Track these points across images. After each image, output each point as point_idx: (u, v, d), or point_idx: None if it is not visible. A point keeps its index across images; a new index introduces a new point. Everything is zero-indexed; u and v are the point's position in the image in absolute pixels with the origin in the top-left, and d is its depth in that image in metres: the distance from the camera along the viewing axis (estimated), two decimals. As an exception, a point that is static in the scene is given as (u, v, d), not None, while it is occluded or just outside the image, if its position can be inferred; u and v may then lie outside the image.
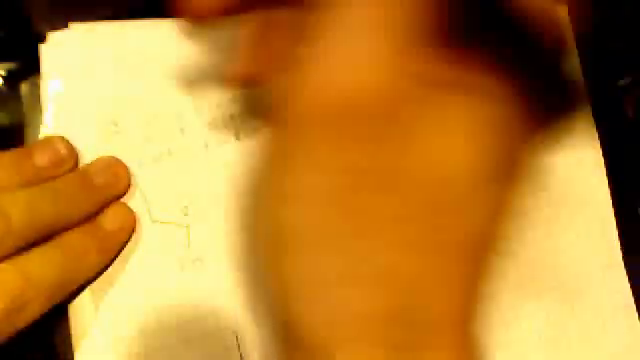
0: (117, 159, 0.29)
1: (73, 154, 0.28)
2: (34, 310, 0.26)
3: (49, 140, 0.28)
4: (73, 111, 0.30)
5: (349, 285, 0.17)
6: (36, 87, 0.30)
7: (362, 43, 0.18)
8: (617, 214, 0.32)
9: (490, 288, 0.31)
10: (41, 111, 0.30)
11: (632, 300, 0.31)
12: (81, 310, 0.29)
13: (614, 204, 0.32)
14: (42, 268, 0.26)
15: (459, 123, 0.18)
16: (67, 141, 0.28)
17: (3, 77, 0.31)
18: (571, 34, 0.34)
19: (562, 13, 0.34)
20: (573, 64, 0.33)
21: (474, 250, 0.19)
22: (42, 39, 0.30)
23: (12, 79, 0.31)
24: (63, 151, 0.28)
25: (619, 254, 0.31)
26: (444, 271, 0.18)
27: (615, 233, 0.31)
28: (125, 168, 0.29)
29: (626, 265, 0.31)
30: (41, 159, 0.27)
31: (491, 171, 0.18)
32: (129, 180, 0.29)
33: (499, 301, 0.30)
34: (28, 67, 0.31)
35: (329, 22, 0.18)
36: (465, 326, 0.19)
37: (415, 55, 0.18)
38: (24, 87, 0.31)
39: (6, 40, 0.32)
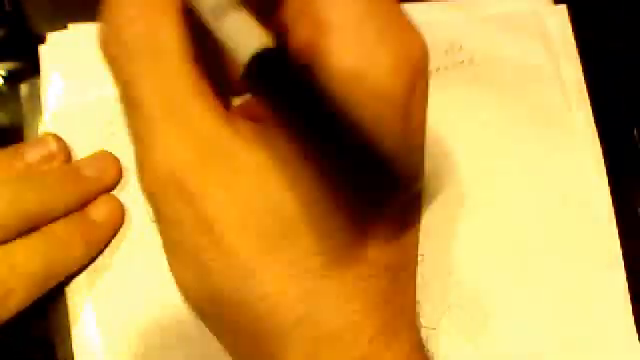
0: (109, 153, 0.29)
1: (64, 150, 0.29)
2: (18, 299, 0.26)
3: (42, 138, 0.29)
4: (72, 111, 0.30)
5: None
6: (36, 87, 0.30)
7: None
8: (617, 214, 0.32)
9: (489, 288, 0.31)
10: (41, 111, 0.30)
11: (629, 300, 0.31)
12: (81, 311, 0.29)
13: (614, 204, 0.32)
14: (26, 257, 0.26)
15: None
16: (59, 138, 0.29)
17: (3, 77, 0.31)
18: (572, 36, 0.34)
19: (562, 13, 0.34)
20: (574, 66, 0.33)
21: None
22: (41, 40, 0.30)
23: (12, 79, 0.31)
24: (54, 147, 0.28)
25: (619, 254, 0.31)
26: None
27: (615, 233, 0.31)
28: (116, 162, 0.29)
29: (626, 265, 0.31)
30: (32, 155, 0.28)
31: None
32: (120, 173, 0.29)
33: (498, 301, 0.30)
34: (28, 67, 0.31)
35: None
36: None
37: None
38: (24, 87, 0.31)
39: (6, 40, 0.32)
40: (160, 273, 0.29)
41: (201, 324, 0.20)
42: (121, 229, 0.29)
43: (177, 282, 0.19)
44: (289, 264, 0.17)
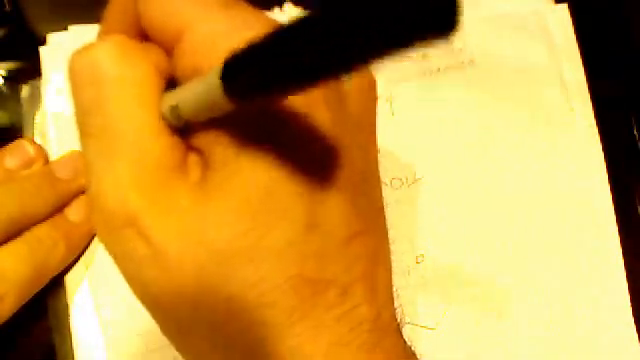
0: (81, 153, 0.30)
1: (42, 154, 0.29)
2: (9, 304, 0.26)
3: (19, 143, 0.29)
4: (72, 112, 0.30)
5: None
6: (36, 88, 0.31)
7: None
8: (617, 214, 0.32)
9: (489, 288, 0.31)
10: (40, 112, 0.30)
11: (628, 300, 0.31)
12: (82, 311, 0.29)
13: (614, 204, 0.32)
14: (12, 263, 0.26)
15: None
16: (36, 143, 0.29)
17: (3, 77, 0.31)
18: (574, 36, 0.34)
19: (564, 12, 0.34)
20: (576, 65, 0.33)
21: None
22: (42, 41, 0.30)
23: (12, 79, 0.31)
24: (32, 152, 0.29)
25: (619, 254, 0.31)
26: None
27: (615, 233, 0.31)
28: None
29: (626, 265, 0.31)
30: (11, 161, 0.28)
31: None
32: None
33: (498, 301, 0.30)
34: (28, 68, 0.31)
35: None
36: None
37: None
38: (24, 88, 0.31)
39: (6, 41, 0.32)
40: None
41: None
42: None
43: (144, 308, 0.20)
44: (230, 297, 0.17)
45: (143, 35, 0.19)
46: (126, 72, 0.18)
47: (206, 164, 0.18)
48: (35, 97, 0.31)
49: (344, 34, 0.11)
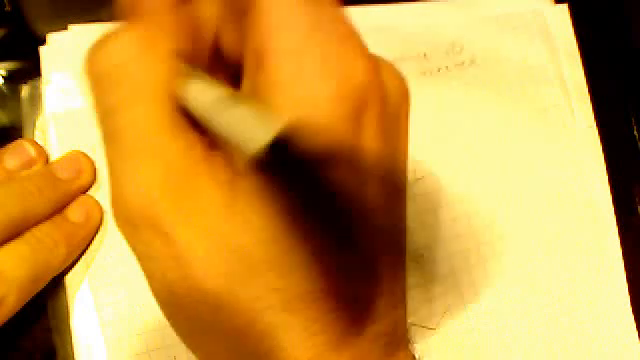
0: (82, 153, 0.30)
1: (43, 154, 0.29)
2: (10, 305, 0.26)
3: (19, 143, 0.29)
4: (72, 112, 0.30)
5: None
6: (36, 88, 0.30)
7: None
8: (617, 214, 0.32)
9: (490, 288, 0.31)
10: (41, 111, 0.30)
11: (628, 300, 0.31)
12: (82, 311, 0.29)
13: (614, 204, 0.32)
14: (13, 264, 0.26)
15: None
16: (36, 143, 0.29)
17: (3, 77, 0.31)
18: (573, 36, 0.34)
19: (563, 13, 0.34)
20: (575, 65, 0.33)
21: None
22: (42, 40, 0.30)
23: (12, 79, 0.31)
24: (32, 153, 0.29)
25: (619, 254, 0.31)
26: None
27: (615, 233, 0.31)
28: (89, 161, 0.29)
29: (626, 265, 0.31)
30: (11, 162, 0.28)
31: None
32: (94, 173, 0.30)
33: (497, 301, 0.30)
34: (28, 68, 0.31)
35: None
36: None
37: None
38: (24, 89, 0.31)
39: (6, 40, 0.32)
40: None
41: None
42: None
43: (160, 307, 0.19)
44: (254, 299, 0.17)
45: None
46: (140, 70, 0.17)
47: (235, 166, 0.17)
48: (35, 97, 0.31)
49: None
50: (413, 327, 0.29)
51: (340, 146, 0.17)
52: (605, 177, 0.32)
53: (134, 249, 0.18)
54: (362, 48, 0.17)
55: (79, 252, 0.29)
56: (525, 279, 0.30)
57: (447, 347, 0.29)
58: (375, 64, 0.18)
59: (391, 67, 0.19)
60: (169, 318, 0.19)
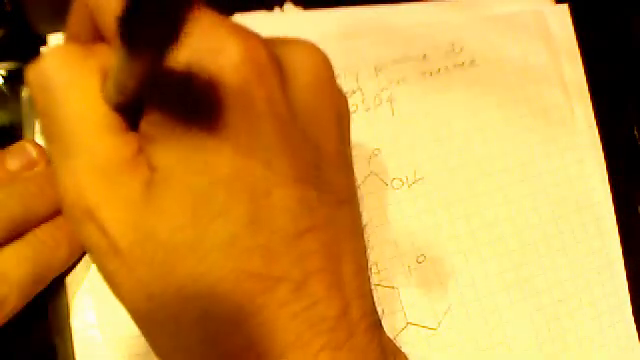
0: None
1: (44, 156, 0.29)
2: (11, 306, 0.26)
3: (20, 145, 0.29)
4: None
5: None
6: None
7: None
8: (617, 214, 0.32)
9: (490, 288, 0.31)
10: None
11: (628, 300, 0.31)
12: (82, 311, 0.29)
13: (614, 204, 0.32)
14: (15, 264, 0.26)
15: None
16: (38, 144, 0.29)
17: (3, 77, 0.31)
18: (574, 36, 0.34)
19: (564, 13, 0.34)
20: (576, 66, 0.33)
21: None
22: (42, 41, 0.30)
23: (12, 79, 0.31)
24: (34, 154, 0.29)
25: (619, 254, 0.31)
26: None
27: (615, 233, 0.31)
28: None
29: (626, 265, 0.31)
30: (13, 163, 0.28)
31: None
32: None
33: (498, 301, 0.30)
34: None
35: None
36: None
37: None
38: (24, 89, 0.31)
39: (6, 41, 0.32)
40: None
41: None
42: None
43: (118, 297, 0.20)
44: (181, 288, 0.18)
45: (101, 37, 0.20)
46: (70, 77, 0.19)
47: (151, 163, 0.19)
48: (35, 97, 0.31)
49: None
50: (414, 327, 0.29)
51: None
52: (605, 177, 0.32)
53: (84, 244, 0.20)
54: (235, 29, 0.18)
55: (80, 253, 0.29)
56: (525, 278, 0.31)
57: (447, 347, 0.29)
58: (255, 42, 0.18)
59: (298, 45, 0.20)
60: (124, 308, 0.20)
